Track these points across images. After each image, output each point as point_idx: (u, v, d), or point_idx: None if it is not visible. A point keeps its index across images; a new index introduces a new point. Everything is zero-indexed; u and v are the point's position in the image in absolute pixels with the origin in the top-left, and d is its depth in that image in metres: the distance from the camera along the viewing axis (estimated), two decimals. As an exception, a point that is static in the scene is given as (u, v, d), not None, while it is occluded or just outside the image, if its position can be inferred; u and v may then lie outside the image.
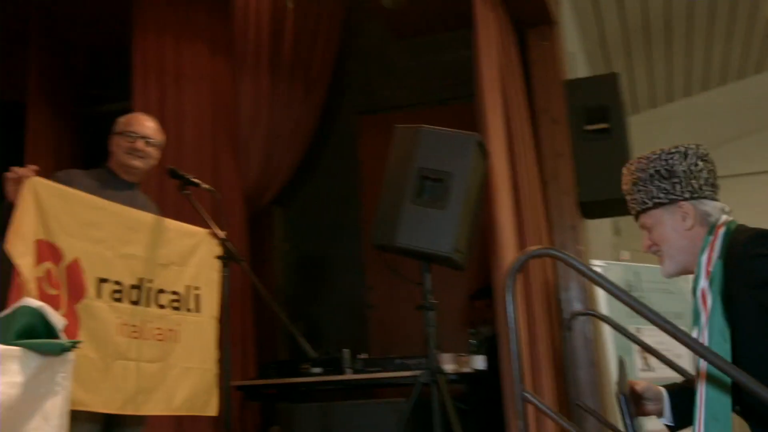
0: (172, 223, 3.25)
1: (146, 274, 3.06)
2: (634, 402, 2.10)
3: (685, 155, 2.09)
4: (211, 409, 3.23)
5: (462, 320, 5.20)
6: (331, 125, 5.84)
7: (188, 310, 3.21)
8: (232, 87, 5.23)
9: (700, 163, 2.09)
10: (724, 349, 1.85)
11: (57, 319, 2.21)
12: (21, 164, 2.78)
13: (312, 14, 5.42)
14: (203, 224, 3.36)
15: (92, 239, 2.89)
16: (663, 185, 2.09)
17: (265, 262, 5.56)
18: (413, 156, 3.35)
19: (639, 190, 2.14)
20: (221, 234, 3.27)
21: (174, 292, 3.17)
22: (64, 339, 2.19)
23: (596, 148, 4.60)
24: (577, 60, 5.89)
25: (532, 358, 3.93)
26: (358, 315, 5.40)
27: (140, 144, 3.21)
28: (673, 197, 2.08)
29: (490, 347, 4.25)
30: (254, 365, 4.78)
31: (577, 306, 4.41)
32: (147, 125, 3.28)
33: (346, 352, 4.36)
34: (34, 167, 2.75)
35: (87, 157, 5.51)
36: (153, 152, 3.26)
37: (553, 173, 4.67)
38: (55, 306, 2.63)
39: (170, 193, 3.84)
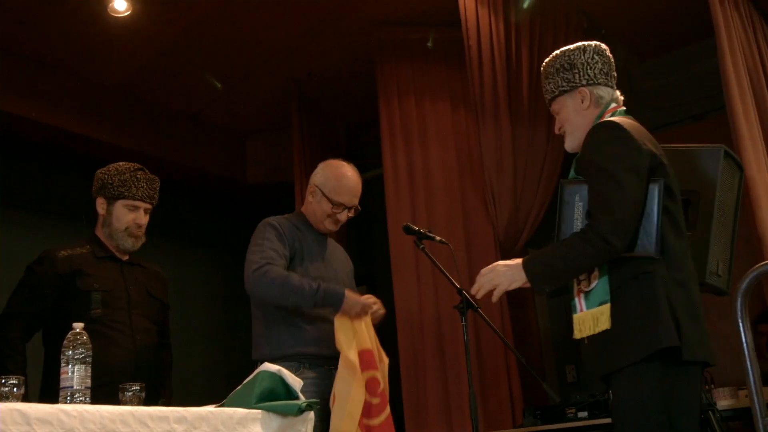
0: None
1: None
2: None
3: (584, 51, 2.59)
4: None
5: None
6: (580, 159, 5.65)
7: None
8: (475, 136, 5.28)
9: (596, 57, 2.59)
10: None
11: (295, 381, 2.36)
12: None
13: (547, 48, 5.31)
14: (439, 275, 3.40)
15: None
16: (566, 76, 2.58)
17: (526, 307, 5.47)
18: (651, 178, 3.15)
19: (549, 82, 2.64)
20: (458, 284, 3.28)
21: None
22: (302, 400, 2.32)
23: None
24: None
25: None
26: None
27: (344, 216, 3.31)
28: (574, 84, 2.58)
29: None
30: (521, 411, 4.69)
31: None
32: (357, 194, 3.35)
33: (611, 394, 4.12)
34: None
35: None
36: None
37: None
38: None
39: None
